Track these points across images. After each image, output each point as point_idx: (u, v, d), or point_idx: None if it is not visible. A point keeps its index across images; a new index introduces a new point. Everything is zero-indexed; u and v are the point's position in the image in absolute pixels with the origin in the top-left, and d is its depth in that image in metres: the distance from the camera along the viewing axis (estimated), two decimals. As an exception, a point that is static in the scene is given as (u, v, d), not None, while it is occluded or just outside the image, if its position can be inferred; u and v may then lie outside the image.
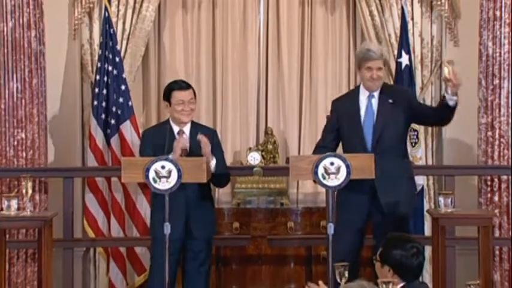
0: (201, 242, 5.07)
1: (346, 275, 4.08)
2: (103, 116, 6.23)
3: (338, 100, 5.35)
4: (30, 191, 5.21)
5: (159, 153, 4.92)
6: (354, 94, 5.23)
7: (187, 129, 5.12)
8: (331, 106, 5.34)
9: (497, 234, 6.02)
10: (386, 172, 4.91)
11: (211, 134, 5.22)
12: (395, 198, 5.01)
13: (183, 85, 5.16)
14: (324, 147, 5.11)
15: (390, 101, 5.08)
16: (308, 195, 6.74)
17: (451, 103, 4.86)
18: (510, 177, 6.05)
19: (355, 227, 5.10)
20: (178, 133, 5.10)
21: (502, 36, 6.08)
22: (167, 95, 5.13)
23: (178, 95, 5.09)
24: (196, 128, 5.15)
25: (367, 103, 5.12)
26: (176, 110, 5.09)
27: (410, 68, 6.26)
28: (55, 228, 5.50)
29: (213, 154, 4.98)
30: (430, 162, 6.47)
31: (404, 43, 6.25)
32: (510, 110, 6.08)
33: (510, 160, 6.08)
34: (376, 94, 5.11)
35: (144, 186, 5.94)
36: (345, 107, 5.21)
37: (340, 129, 5.19)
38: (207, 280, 5.16)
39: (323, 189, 5.08)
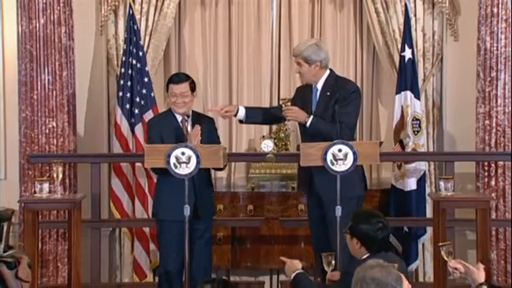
0: (204, 221, 5.11)
1: (333, 263, 4.12)
2: (127, 106, 6.25)
3: (300, 87, 5.31)
4: (60, 176, 5.24)
5: (167, 140, 4.98)
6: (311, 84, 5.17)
7: (189, 117, 5.15)
8: None
9: (494, 216, 5.99)
10: None
11: (210, 120, 5.30)
12: (331, 183, 4.82)
13: (176, 79, 5.17)
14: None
15: (328, 93, 4.99)
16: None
17: None
18: (507, 163, 6.04)
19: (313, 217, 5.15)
20: (181, 121, 5.12)
21: (499, 31, 6.06)
22: (167, 87, 5.18)
23: (172, 88, 5.11)
24: (197, 117, 5.18)
25: (314, 94, 5.08)
26: (171, 101, 5.13)
27: (413, 61, 6.23)
28: (84, 209, 5.52)
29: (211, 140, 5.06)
30: (431, 149, 6.45)
31: (407, 38, 6.22)
32: (507, 101, 6.07)
33: (506, 147, 6.06)
34: (319, 86, 5.05)
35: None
36: (301, 93, 5.21)
37: None
38: (211, 257, 5.23)
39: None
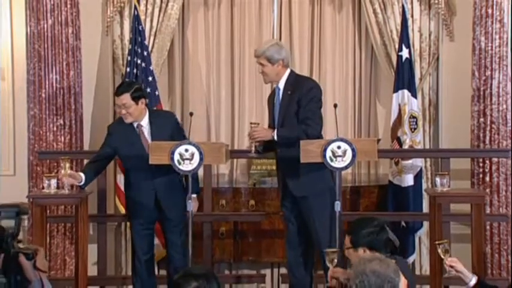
0: (176, 223, 5.12)
1: (336, 261, 4.08)
2: (132, 104, 6.24)
3: (268, 96, 5.26)
4: (68, 172, 5.23)
5: (122, 145, 5.02)
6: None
7: (145, 121, 5.09)
8: None
9: (488, 211, 6.01)
10: (289, 159, 4.79)
11: (171, 118, 5.24)
12: (301, 181, 4.87)
13: (117, 91, 5.07)
14: None
15: (289, 92, 4.95)
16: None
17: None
18: (501, 159, 6.04)
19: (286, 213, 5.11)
20: (137, 127, 5.08)
21: (494, 31, 6.06)
22: None
23: (115, 100, 5.08)
24: (153, 117, 5.11)
25: (277, 95, 5.04)
26: (117, 111, 5.09)
27: (410, 60, 6.23)
28: (90, 205, 5.52)
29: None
30: (427, 146, 6.45)
31: (404, 38, 6.21)
32: (501, 99, 6.08)
33: (500, 144, 6.07)
34: (281, 86, 5.00)
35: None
36: (270, 100, 5.16)
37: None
38: (185, 249, 5.11)
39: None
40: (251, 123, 5.07)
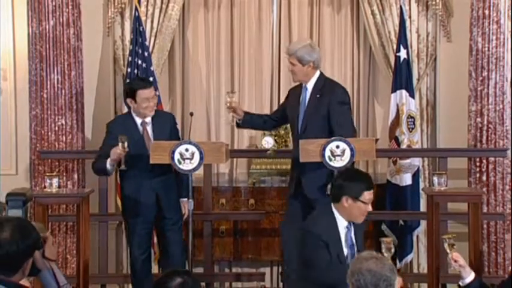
0: (174, 221, 5.13)
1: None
2: (133, 104, 6.23)
3: (292, 88, 5.26)
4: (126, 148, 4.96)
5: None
6: (301, 85, 5.09)
7: (149, 119, 5.08)
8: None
9: (485, 210, 6.01)
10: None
11: (170, 118, 5.25)
12: (315, 182, 4.87)
13: (145, 83, 5.05)
14: (269, 116, 5.36)
15: (318, 95, 4.93)
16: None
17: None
18: (498, 159, 6.05)
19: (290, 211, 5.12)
20: (141, 124, 5.06)
21: (491, 32, 6.06)
22: (131, 93, 5.03)
23: (143, 94, 4.99)
24: (155, 116, 5.10)
25: (304, 94, 5.02)
26: (142, 106, 5.01)
27: (408, 61, 6.23)
28: (91, 203, 5.52)
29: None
30: (425, 146, 6.45)
31: (402, 39, 6.21)
32: (498, 99, 6.08)
33: (497, 144, 6.08)
34: (309, 87, 4.98)
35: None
36: (293, 95, 5.14)
37: (287, 113, 5.13)
38: (182, 247, 5.18)
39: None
40: (227, 92, 5.08)
